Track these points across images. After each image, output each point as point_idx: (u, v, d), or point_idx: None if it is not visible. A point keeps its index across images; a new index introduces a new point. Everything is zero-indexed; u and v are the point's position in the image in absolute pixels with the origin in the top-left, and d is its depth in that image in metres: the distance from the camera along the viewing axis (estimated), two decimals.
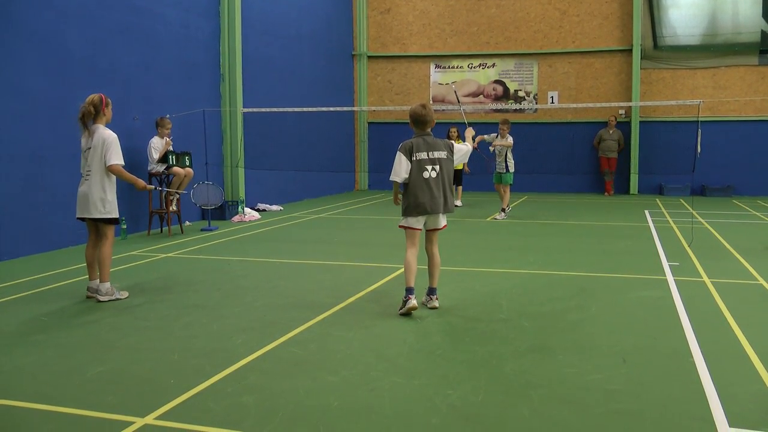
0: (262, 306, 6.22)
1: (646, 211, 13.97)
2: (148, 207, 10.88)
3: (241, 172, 13.73)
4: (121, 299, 6.46)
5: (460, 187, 15.74)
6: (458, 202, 15.32)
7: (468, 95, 19.98)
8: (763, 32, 17.87)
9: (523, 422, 3.67)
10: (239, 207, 13.01)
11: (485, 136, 12.80)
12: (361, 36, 20.35)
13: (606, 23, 19.00)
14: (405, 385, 4.21)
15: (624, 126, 18.74)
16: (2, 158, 8.66)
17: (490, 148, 12.96)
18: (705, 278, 7.33)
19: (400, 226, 6.10)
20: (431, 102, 19.88)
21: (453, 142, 6.18)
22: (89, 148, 6.46)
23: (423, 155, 5.88)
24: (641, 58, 18.56)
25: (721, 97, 18.10)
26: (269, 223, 12.31)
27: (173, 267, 8.21)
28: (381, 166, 18.55)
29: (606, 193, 18.60)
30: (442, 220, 6.09)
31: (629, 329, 5.44)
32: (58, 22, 9.51)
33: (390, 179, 5.97)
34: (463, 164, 12.12)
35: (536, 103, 19.42)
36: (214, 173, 12.81)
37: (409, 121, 6.05)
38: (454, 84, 13.28)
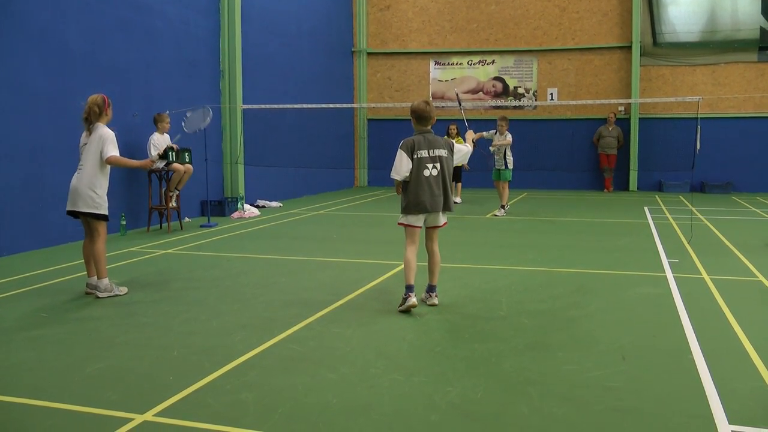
0: (262, 303, 6.21)
1: (646, 208, 13.97)
2: (147, 203, 10.88)
3: (241, 168, 13.73)
4: (120, 295, 6.47)
5: (460, 184, 15.75)
6: (458, 199, 15.33)
7: (467, 92, 19.97)
8: (762, 29, 17.87)
9: (522, 419, 3.67)
10: (239, 204, 13.01)
11: (484, 133, 12.78)
12: (361, 33, 20.33)
13: (605, 20, 18.99)
14: (404, 382, 4.21)
15: (623, 123, 18.74)
16: (2, 154, 8.65)
17: (490, 148, 12.94)
18: (704, 275, 7.33)
19: (399, 224, 6.10)
20: (431, 98, 19.86)
21: (453, 141, 6.17)
22: (86, 144, 6.52)
23: (424, 153, 5.87)
24: (641, 55, 18.56)
25: (721, 93, 18.10)
26: (269, 220, 12.30)
27: (172, 263, 8.21)
28: (380, 163, 18.54)
29: (605, 190, 18.60)
30: (442, 218, 6.08)
31: (628, 326, 5.44)
32: (57, 19, 9.49)
33: (390, 176, 5.96)
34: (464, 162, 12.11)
35: (536, 100, 19.40)
36: (213, 170, 12.80)
37: (410, 117, 6.04)
38: (456, 89, 13.25)
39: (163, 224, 11.09)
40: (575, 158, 18.89)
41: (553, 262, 8.12)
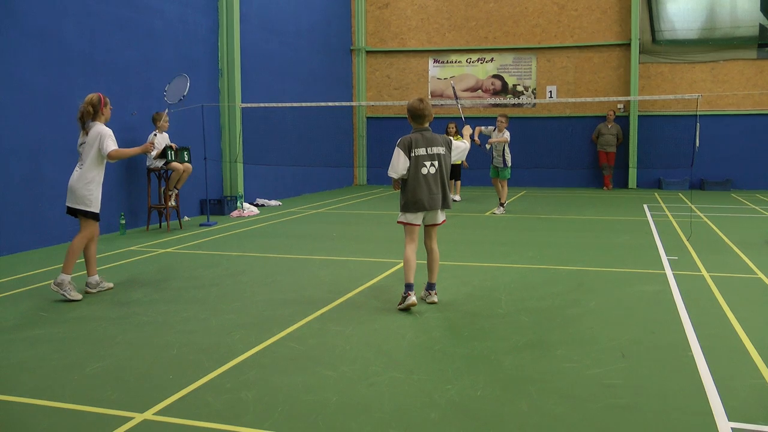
0: (261, 301, 6.22)
1: (645, 206, 13.97)
2: (147, 202, 10.88)
3: (240, 167, 13.72)
4: (68, 298, 6.27)
5: (459, 182, 15.73)
6: (457, 197, 15.33)
7: (466, 90, 19.97)
8: (761, 26, 17.86)
9: (521, 417, 3.68)
10: (238, 202, 13.01)
11: (482, 128, 12.77)
12: (360, 31, 20.32)
13: (604, 17, 18.98)
14: (404, 380, 4.21)
15: (623, 120, 18.73)
16: (1, 152, 8.64)
17: (486, 145, 12.92)
18: (704, 272, 7.33)
19: (398, 222, 6.10)
20: (430, 97, 19.87)
21: (451, 138, 6.17)
22: (83, 143, 6.52)
23: (422, 151, 5.87)
24: (640, 53, 18.55)
25: (720, 91, 18.09)
26: (268, 219, 12.30)
27: (172, 262, 8.20)
28: (380, 161, 18.54)
29: (605, 188, 18.60)
30: (441, 216, 6.08)
31: (628, 324, 5.45)
32: (56, 17, 9.48)
33: (388, 174, 5.96)
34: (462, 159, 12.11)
35: (535, 98, 19.40)
36: (212, 168, 12.80)
37: (407, 115, 6.04)
38: (452, 79, 13.24)
39: (162, 223, 11.09)
40: (574, 156, 18.89)
41: (553, 260, 8.12)
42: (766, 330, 5.26)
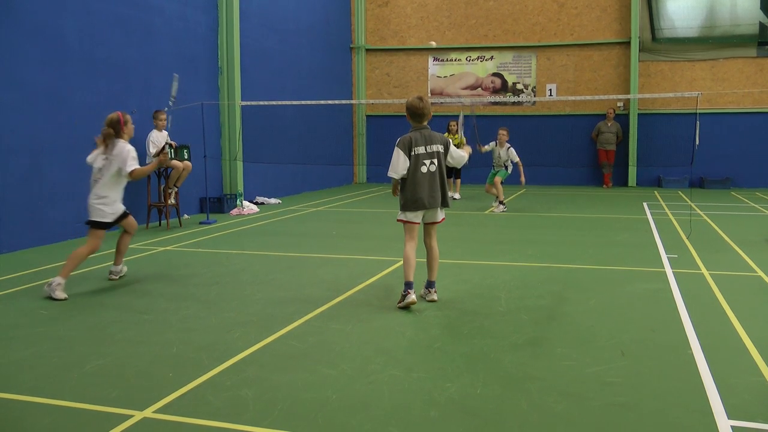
0: (261, 299, 6.22)
1: (645, 204, 13.97)
2: (146, 200, 10.87)
3: (240, 165, 13.71)
4: (57, 299, 6.19)
5: (459, 180, 15.74)
6: (456, 195, 15.33)
7: (466, 88, 19.96)
8: (761, 24, 17.85)
9: (521, 415, 3.68)
10: (237, 200, 13.00)
11: (485, 147, 12.77)
12: (360, 29, 20.30)
13: (604, 16, 18.97)
14: (403, 378, 4.21)
15: (622, 118, 18.73)
16: (1, 151, 8.64)
17: (486, 147, 12.86)
18: (703, 270, 7.33)
19: (398, 220, 6.09)
20: (429, 95, 19.87)
21: (449, 139, 6.16)
22: (105, 159, 6.53)
23: (421, 150, 5.87)
24: (639, 51, 18.54)
25: (720, 89, 18.09)
26: (267, 217, 12.30)
27: (172, 260, 8.20)
28: (379, 159, 18.53)
29: (604, 186, 18.60)
30: (440, 214, 6.08)
31: (627, 322, 5.45)
32: (55, 14, 9.47)
33: (388, 175, 5.96)
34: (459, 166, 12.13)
35: (534, 96, 19.39)
36: (212, 167, 12.79)
37: (406, 114, 6.03)
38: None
39: (162, 221, 11.08)
40: (574, 154, 18.87)
41: (552, 258, 8.12)
42: (765, 328, 5.26)
